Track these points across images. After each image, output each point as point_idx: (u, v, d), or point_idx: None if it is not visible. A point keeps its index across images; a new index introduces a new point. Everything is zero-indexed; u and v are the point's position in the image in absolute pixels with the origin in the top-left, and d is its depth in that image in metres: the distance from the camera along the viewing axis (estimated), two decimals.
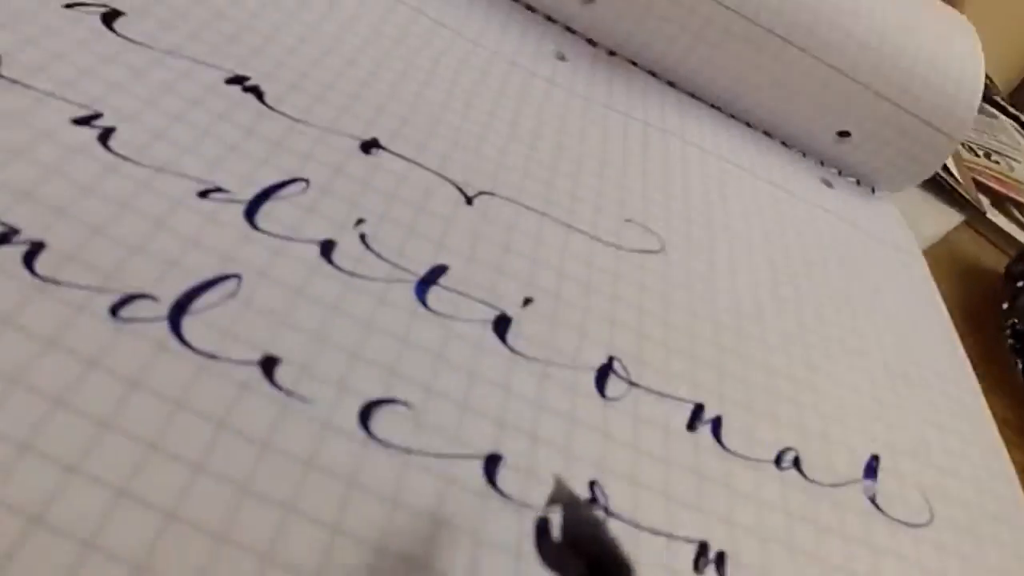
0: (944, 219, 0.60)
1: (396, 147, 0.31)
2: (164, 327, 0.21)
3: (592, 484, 0.23)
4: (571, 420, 0.25)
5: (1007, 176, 0.71)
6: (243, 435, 0.19)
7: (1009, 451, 0.35)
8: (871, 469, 0.30)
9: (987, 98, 0.80)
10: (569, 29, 0.46)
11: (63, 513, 0.17)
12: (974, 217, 0.62)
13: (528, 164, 0.34)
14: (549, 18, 0.46)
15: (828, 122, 0.47)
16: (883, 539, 0.27)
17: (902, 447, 0.32)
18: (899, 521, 0.28)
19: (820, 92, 0.46)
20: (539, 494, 0.22)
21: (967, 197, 0.63)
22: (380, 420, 0.22)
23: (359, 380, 0.22)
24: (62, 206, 0.22)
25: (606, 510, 0.23)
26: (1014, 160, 0.76)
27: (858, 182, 0.51)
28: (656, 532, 0.23)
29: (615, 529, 0.22)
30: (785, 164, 0.48)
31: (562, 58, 0.44)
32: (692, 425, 0.27)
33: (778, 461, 0.28)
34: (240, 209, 0.25)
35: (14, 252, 0.20)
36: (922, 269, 0.46)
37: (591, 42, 0.47)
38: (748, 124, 0.49)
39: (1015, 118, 0.87)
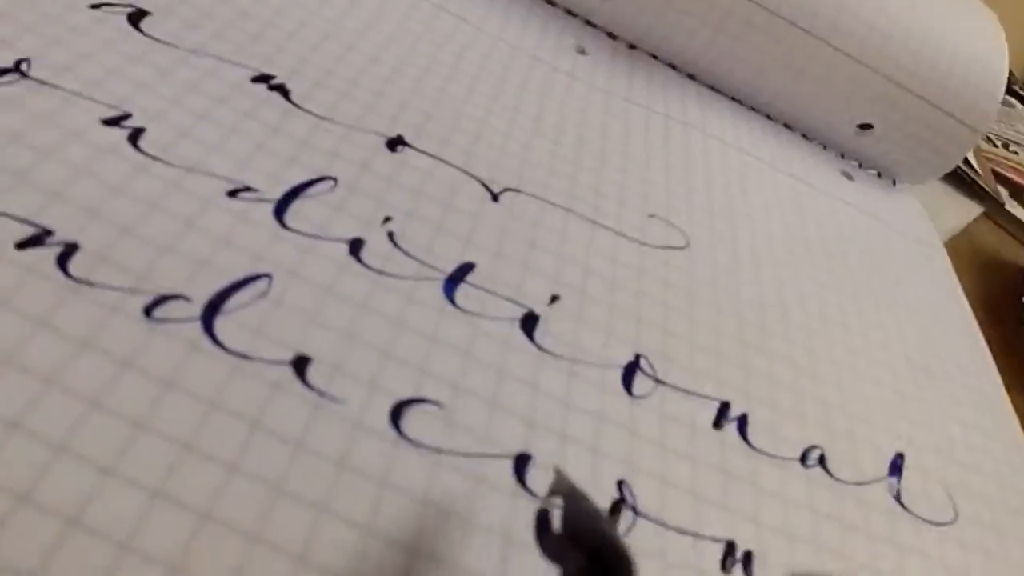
0: (963, 211, 0.60)
1: (421, 144, 0.31)
2: (197, 327, 0.21)
3: (620, 483, 0.23)
4: (599, 418, 0.25)
5: None
6: (276, 435, 0.20)
7: None
8: (895, 467, 0.30)
9: (1006, 87, 0.79)
10: (589, 23, 0.46)
11: (100, 515, 0.17)
12: (993, 209, 0.62)
13: (552, 160, 0.34)
14: (569, 12, 0.46)
15: (850, 114, 0.47)
16: (908, 537, 0.27)
17: (926, 444, 0.31)
18: (924, 519, 0.28)
19: (843, 84, 0.45)
20: None
21: (987, 189, 0.62)
22: (411, 419, 0.22)
23: (390, 379, 0.22)
24: (94, 207, 0.22)
25: (634, 510, 0.23)
26: None
27: (879, 174, 0.51)
28: (683, 532, 0.23)
29: (643, 529, 0.22)
30: (805, 157, 0.47)
31: (582, 52, 0.43)
32: (718, 423, 0.27)
33: (803, 459, 0.28)
34: (270, 208, 0.25)
35: (48, 254, 0.20)
36: (944, 262, 0.46)
37: (611, 36, 0.46)
38: (768, 116, 0.49)
39: None
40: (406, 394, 0.22)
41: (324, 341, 0.22)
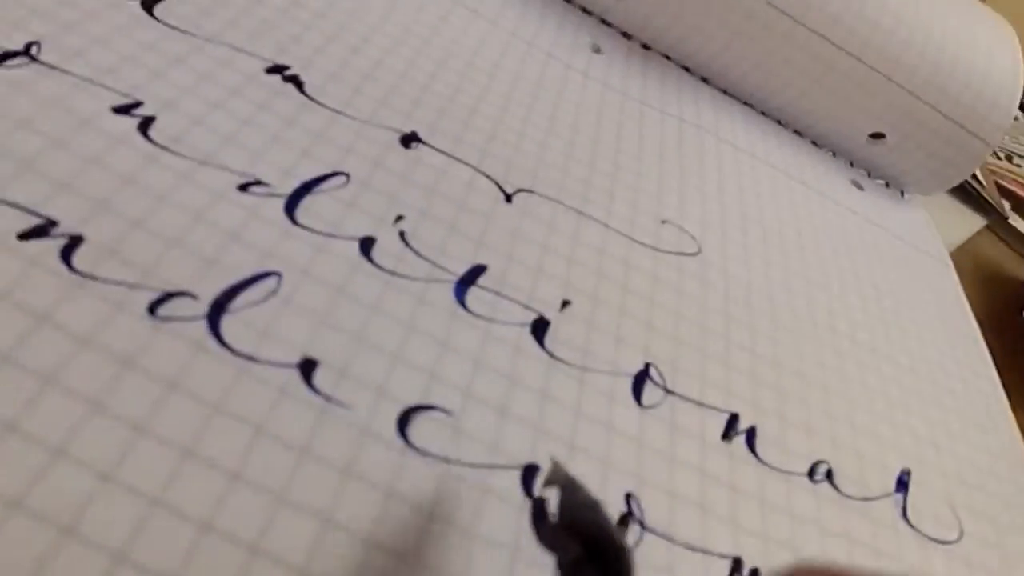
0: (966, 223, 0.60)
1: (435, 141, 0.30)
2: (203, 326, 0.20)
3: (628, 496, 0.23)
4: (608, 428, 0.24)
5: None
6: (281, 441, 0.19)
7: None
8: (902, 483, 0.29)
9: None
10: (604, 22, 0.46)
11: (96, 523, 0.16)
12: (996, 222, 0.62)
13: (567, 161, 0.34)
14: (585, 10, 0.46)
15: (863, 123, 0.47)
16: (914, 555, 0.27)
17: (932, 460, 0.31)
18: (929, 538, 0.28)
19: (857, 92, 0.45)
20: None
21: (990, 201, 0.62)
22: (418, 427, 0.21)
23: (398, 385, 0.22)
24: (101, 198, 0.21)
25: (642, 524, 0.23)
26: None
27: (887, 184, 0.50)
28: (691, 547, 0.23)
29: (650, 544, 0.22)
30: (816, 164, 0.47)
31: (598, 51, 0.43)
32: (727, 435, 0.27)
33: (811, 474, 0.27)
34: (281, 203, 0.24)
35: (52, 246, 0.20)
36: (951, 276, 0.45)
37: (626, 35, 0.46)
38: (779, 122, 0.48)
39: None
40: (414, 400, 0.22)
41: (332, 343, 0.22)
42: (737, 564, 0.23)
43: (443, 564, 0.19)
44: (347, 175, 0.27)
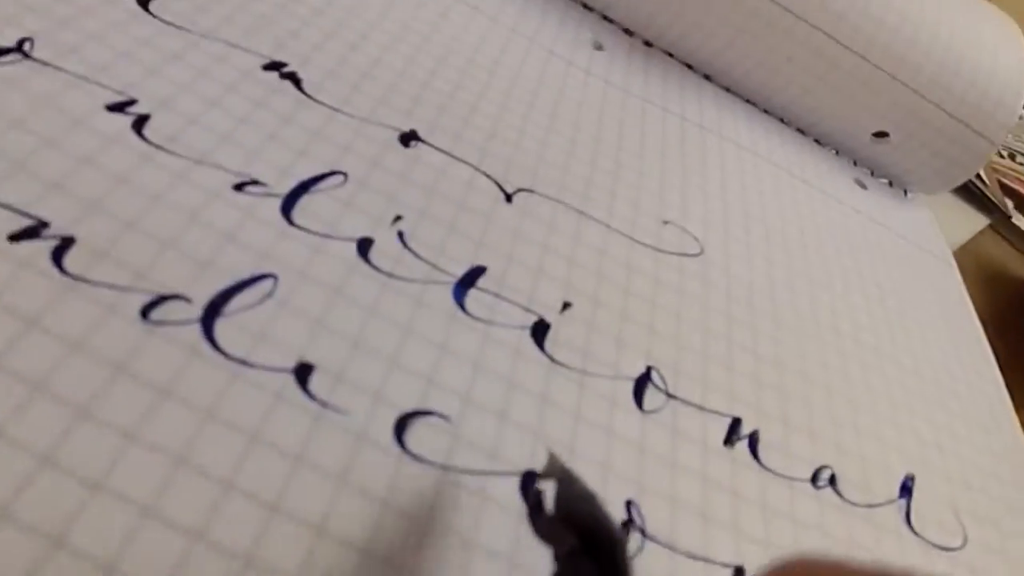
0: (969, 222, 0.59)
1: (435, 140, 0.30)
2: (196, 330, 0.20)
3: (629, 504, 0.23)
4: (609, 433, 0.24)
5: None
6: (276, 449, 0.19)
7: None
8: (906, 488, 0.29)
9: None
10: (606, 18, 0.45)
11: (85, 534, 0.16)
12: (998, 221, 0.61)
13: (568, 160, 0.33)
14: (586, 6, 0.45)
15: (866, 121, 0.46)
16: (918, 562, 0.27)
17: (936, 464, 0.31)
18: (933, 544, 0.28)
19: (861, 90, 0.45)
20: None
21: (994, 200, 0.61)
22: (416, 433, 0.21)
23: (395, 389, 0.21)
24: (94, 198, 0.21)
25: (643, 532, 0.22)
26: None
27: (891, 183, 0.50)
28: (693, 556, 0.22)
29: (651, 553, 0.22)
30: (819, 163, 0.47)
31: (599, 47, 0.43)
32: (729, 440, 0.26)
33: (814, 479, 0.27)
34: (277, 203, 0.24)
35: (43, 247, 0.19)
36: (955, 276, 0.45)
37: (628, 32, 0.46)
38: (781, 120, 0.48)
39: None
40: (412, 406, 0.21)
41: (329, 347, 0.21)
42: (739, 573, 0.23)
43: (440, 574, 0.19)
44: (345, 174, 0.26)
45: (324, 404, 0.20)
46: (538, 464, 0.22)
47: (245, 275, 0.22)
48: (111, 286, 0.20)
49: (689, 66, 0.46)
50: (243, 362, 0.20)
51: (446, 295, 0.25)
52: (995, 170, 0.67)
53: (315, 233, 0.24)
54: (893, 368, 0.34)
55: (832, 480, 0.27)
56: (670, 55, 0.46)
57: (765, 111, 0.48)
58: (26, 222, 0.20)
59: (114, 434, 0.17)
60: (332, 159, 0.26)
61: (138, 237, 0.21)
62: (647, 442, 0.24)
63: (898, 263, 0.42)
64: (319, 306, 0.22)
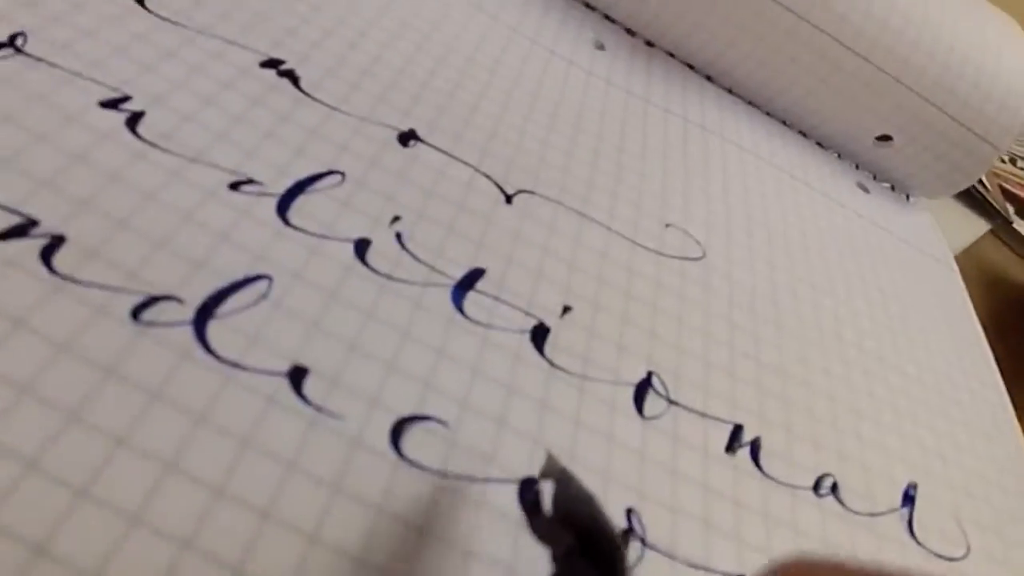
0: (970, 227, 0.59)
1: (434, 139, 0.29)
2: (188, 332, 0.19)
3: (629, 512, 0.22)
4: (609, 440, 0.24)
5: None
6: (268, 454, 0.18)
7: None
8: (908, 497, 0.29)
9: None
10: (608, 18, 0.45)
11: (70, 542, 0.15)
12: (999, 226, 0.61)
13: (569, 161, 0.33)
14: (588, 6, 0.45)
15: (870, 125, 0.46)
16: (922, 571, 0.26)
17: (938, 472, 0.30)
18: (936, 554, 0.27)
19: (864, 93, 0.44)
20: None
21: (995, 205, 0.61)
22: (413, 438, 0.20)
23: (392, 394, 0.21)
24: (84, 196, 0.21)
25: (643, 541, 0.22)
26: None
27: (893, 187, 0.50)
28: (694, 565, 0.22)
29: (652, 562, 0.21)
30: (821, 166, 0.46)
31: (601, 47, 0.42)
32: (731, 447, 0.26)
33: (816, 487, 0.27)
34: (273, 203, 0.24)
35: (32, 246, 0.19)
36: (957, 280, 0.45)
37: (630, 32, 0.45)
38: (784, 122, 0.48)
39: None
40: (408, 410, 0.21)
41: (324, 351, 0.21)
42: None
43: None
44: (342, 174, 0.26)
45: (319, 408, 0.20)
46: (536, 471, 0.21)
47: (239, 276, 0.21)
48: (101, 286, 0.19)
49: (691, 67, 0.46)
50: (236, 365, 0.19)
51: (444, 298, 0.24)
52: (996, 175, 0.66)
53: (311, 233, 0.23)
54: (896, 376, 0.34)
55: (834, 488, 0.27)
56: (672, 55, 0.46)
57: (767, 113, 0.47)
58: (15, 220, 0.19)
59: (102, 438, 0.17)
60: (329, 158, 0.26)
61: (130, 236, 0.20)
62: (647, 449, 0.24)
63: (900, 267, 0.42)
64: (315, 308, 0.22)
